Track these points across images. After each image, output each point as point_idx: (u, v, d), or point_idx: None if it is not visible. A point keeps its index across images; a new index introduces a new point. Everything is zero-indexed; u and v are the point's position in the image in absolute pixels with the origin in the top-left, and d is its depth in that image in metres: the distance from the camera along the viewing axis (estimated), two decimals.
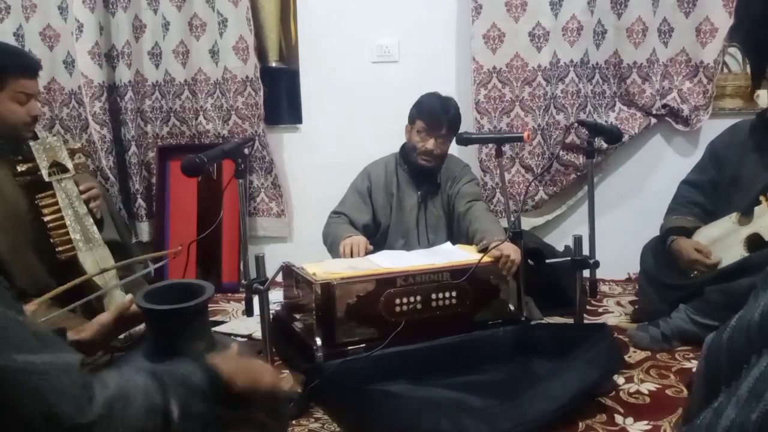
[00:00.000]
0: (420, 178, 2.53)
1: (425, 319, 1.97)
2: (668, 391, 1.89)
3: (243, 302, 1.88)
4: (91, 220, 1.94)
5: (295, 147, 3.23)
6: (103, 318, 1.36)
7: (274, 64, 3.23)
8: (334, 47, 3.08)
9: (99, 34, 3.07)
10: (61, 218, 1.88)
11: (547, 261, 2.39)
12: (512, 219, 2.17)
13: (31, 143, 1.89)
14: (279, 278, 2.11)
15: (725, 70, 2.95)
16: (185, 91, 3.17)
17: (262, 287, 1.81)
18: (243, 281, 1.84)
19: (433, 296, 1.99)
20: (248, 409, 1.04)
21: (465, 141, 2.26)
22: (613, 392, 1.88)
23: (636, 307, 2.60)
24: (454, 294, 2.01)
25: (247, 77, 3.07)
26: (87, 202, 1.94)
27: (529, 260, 2.33)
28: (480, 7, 2.83)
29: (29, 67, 1.89)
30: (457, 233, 2.46)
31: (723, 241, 2.27)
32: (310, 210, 3.04)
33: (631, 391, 1.90)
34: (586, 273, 2.10)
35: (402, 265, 2.04)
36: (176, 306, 1.11)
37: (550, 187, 3.01)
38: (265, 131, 3.14)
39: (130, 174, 3.26)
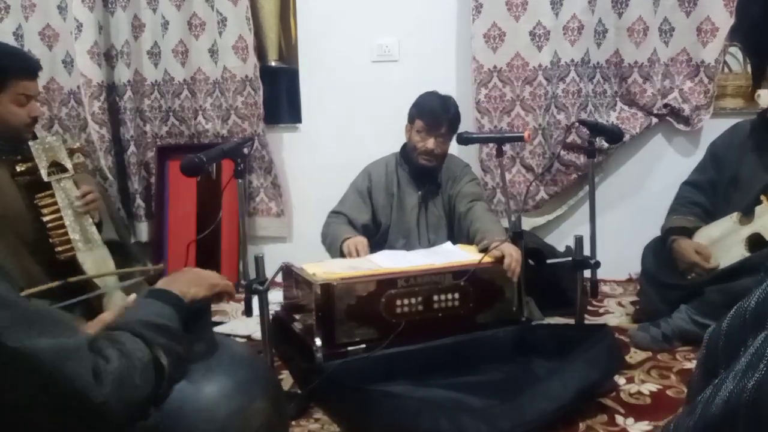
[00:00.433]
0: (420, 178, 2.52)
1: (426, 321, 1.96)
2: (669, 392, 1.89)
3: (242, 302, 1.87)
4: (91, 221, 1.94)
5: (294, 147, 3.23)
6: (106, 317, 1.35)
7: (273, 64, 3.22)
8: (334, 47, 3.08)
9: (98, 34, 3.07)
10: (61, 218, 1.88)
11: (548, 261, 2.39)
12: (513, 219, 2.16)
13: (31, 143, 1.88)
14: (279, 278, 2.10)
15: (726, 70, 2.94)
16: (184, 90, 3.16)
17: (261, 287, 1.80)
18: (242, 281, 1.83)
19: (435, 297, 1.97)
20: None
21: (465, 140, 2.25)
22: (614, 392, 1.88)
23: (637, 307, 2.60)
24: (456, 296, 2.00)
25: (246, 77, 3.07)
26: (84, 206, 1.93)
27: (529, 260, 2.33)
28: (480, 6, 2.82)
29: (30, 68, 1.88)
30: (458, 233, 2.45)
31: (724, 241, 2.27)
32: (310, 210, 3.03)
33: (632, 391, 1.90)
34: (586, 273, 2.09)
35: (402, 265, 2.03)
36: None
37: (551, 186, 3.00)
38: (265, 131, 3.13)
39: (129, 174, 3.26)
